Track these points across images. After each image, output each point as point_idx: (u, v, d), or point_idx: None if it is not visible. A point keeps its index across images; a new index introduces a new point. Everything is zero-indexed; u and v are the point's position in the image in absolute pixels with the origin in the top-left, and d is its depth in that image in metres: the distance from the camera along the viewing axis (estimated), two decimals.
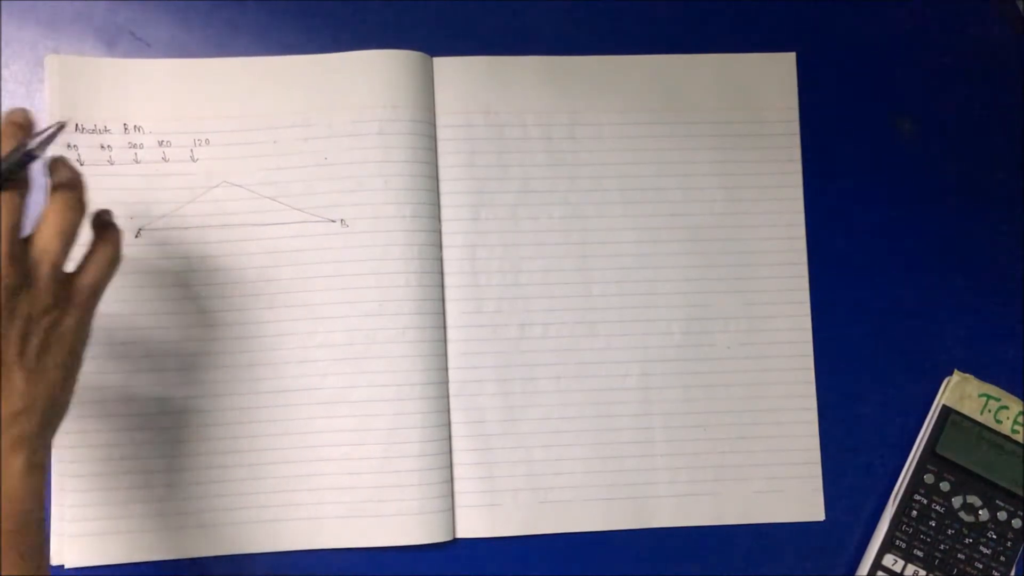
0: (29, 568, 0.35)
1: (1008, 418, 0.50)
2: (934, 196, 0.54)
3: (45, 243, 0.37)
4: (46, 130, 0.38)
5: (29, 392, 0.36)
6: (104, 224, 0.42)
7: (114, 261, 0.41)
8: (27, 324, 0.36)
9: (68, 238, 0.38)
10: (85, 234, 0.40)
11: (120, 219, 0.48)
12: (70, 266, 0.39)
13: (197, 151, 0.50)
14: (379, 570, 0.49)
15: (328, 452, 0.49)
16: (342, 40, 0.51)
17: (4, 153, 0.37)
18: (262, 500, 0.48)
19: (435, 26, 0.52)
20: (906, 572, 0.49)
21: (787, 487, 0.51)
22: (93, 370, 0.47)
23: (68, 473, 0.48)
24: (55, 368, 0.37)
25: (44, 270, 0.37)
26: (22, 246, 0.36)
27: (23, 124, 0.38)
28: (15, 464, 0.35)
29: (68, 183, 0.39)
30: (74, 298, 0.39)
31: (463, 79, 0.52)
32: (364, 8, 0.52)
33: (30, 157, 0.37)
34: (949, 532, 0.49)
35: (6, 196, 0.36)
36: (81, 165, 0.49)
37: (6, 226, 0.36)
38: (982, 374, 0.52)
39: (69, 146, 0.49)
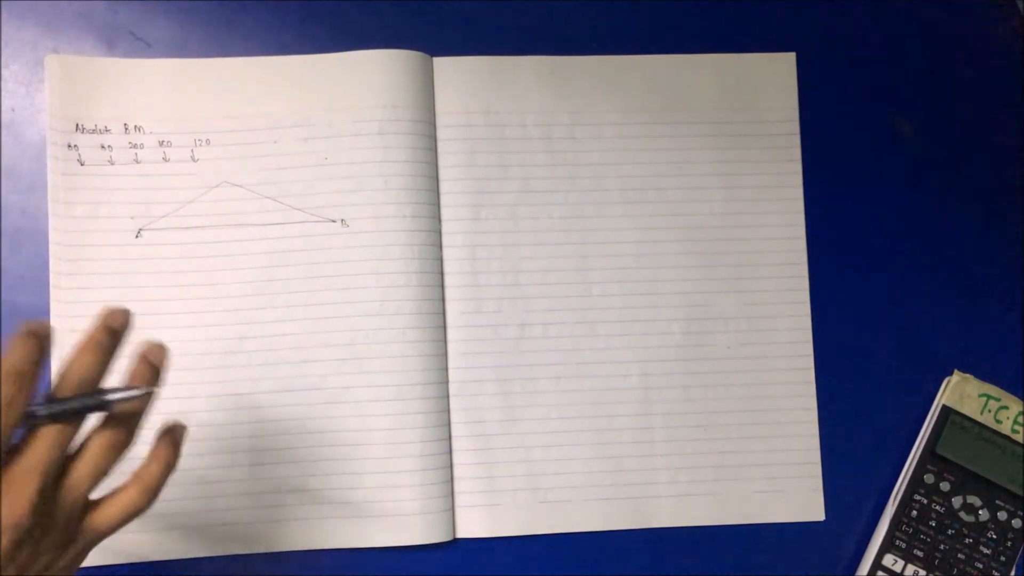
0: None
1: (1008, 418, 0.50)
2: (934, 196, 0.54)
3: (77, 482, 0.33)
4: (136, 389, 0.34)
5: None
6: (159, 453, 0.36)
7: (141, 510, 0.36)
8: (25, 565, 0.32)
9: (102, 479, 0.34)
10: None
11: (121, 219, 0.49)
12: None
13: (197, 151, 0.50)
14: (379, 570, 0.49)
15: (328, 452, 0.49)
16: (342, 40, 0.51)
17: (79, 380, 0.32)
18: (262, 500, 0.48)
19: (435, 26, 0.52)
20: (906, 572, 0.49)
21: (787, 487, 0.51)
22: None
23: None
24: None
25: (64, 511, 0.33)
26: (53, 487, 0.32)
27: (119, 330, 0.34)
28: None
29: (128, 418, 0.34)
30: (81, 537, 0.34)
31: (463, 79, 0.52)
32: (364, 8, 0.52)
33: (103, 405, 0.33)
34: (949, 532, 0.49)
35: (55, 431, 0.32)
36: (81, 165, 0.49)
37: (44, 466, 0.31)
38: (982, 374, 0.52)
39: (70, 146, 0.49)
